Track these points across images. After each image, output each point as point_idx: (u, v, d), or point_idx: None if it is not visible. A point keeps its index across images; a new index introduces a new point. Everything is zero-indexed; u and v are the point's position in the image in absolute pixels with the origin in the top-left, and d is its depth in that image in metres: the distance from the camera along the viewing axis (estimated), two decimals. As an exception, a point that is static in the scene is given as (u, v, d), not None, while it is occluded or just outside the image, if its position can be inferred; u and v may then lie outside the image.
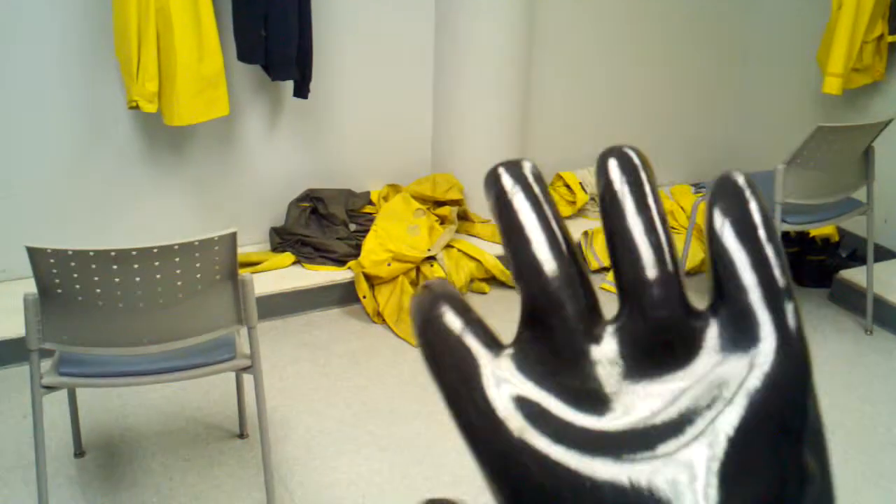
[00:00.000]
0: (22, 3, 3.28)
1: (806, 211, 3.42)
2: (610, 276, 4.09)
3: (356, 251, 3.76)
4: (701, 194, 3.72)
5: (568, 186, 4.45)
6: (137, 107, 3.35)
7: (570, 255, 0.26)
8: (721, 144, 5.00)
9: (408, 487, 2.67)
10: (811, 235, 4.16)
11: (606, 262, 4.16)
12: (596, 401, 0.24)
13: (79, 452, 2.74)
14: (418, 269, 3.72)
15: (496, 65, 4.05)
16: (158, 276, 2.18)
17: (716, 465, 0.22)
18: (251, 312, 2.33)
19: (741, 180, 0.26)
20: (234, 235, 2.23)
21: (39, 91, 3.41)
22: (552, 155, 4.47)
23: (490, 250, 3.92)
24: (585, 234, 4.25)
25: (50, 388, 2.22)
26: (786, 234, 3.55)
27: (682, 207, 4.44)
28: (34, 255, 2.08)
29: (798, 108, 4.62)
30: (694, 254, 4.06)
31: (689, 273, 4.09)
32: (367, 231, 3.82)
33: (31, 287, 2.13)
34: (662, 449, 0.23)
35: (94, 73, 3.47)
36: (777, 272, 0.25)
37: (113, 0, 3.29)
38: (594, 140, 4.57)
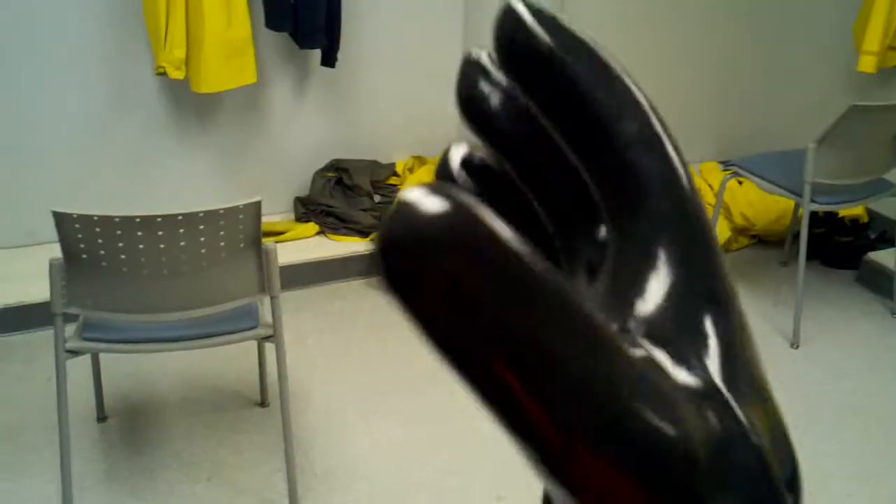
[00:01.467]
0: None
1: (835, 191, 3.37)
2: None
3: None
4: (729, 171, 3.66)
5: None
6: (165, 73, 3.35)
7: None
8: (749, 122, 4.93)
9: (428, 459, 2.67)
10: (840, 216, 4.10)
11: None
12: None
13: (101, 417, 2.77)
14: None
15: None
16: (183, 243, 2.18)
17: None
18: (274, 282, 2.33)
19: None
20: (258, 204, 2.23)
21: (66, 56, 3.42)
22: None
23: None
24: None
25: (74, 353, 2.24)
26: (814, 214, 3.50)
27: (709, 185, 4.39)
28: (60, 219, 2.08)
29: (830, 86, 4.54)
30: (721, 232, 4.02)
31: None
32: (391, 202, 3.80)
33: (56, 251, 2.14)
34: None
35: (121, 39, 3.47)
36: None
37: (141, -35, 3.28)
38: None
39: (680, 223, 0.20)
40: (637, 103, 0.21)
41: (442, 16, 4.07)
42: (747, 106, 4.95)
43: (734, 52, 4.81)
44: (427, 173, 3.96)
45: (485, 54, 0.23)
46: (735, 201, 4.12)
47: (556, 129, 0.21)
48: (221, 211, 2.19)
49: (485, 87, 0.23)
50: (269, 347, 2.47)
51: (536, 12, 0.21)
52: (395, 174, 4.10)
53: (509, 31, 0.21)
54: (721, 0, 4.64)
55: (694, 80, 4.77)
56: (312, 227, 3.81)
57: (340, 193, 3.95)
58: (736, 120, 4.94)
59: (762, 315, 3.49)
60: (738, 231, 4.17)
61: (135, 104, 3.60)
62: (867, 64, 4.00)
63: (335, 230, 3.79)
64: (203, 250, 2.22)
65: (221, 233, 2.22)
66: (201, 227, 2.18)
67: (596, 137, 0.21)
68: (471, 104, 0.23)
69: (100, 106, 3.54)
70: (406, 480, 2.60)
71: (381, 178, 4.05)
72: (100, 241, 2.12)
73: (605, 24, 4.42)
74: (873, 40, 3.95)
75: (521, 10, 0.21)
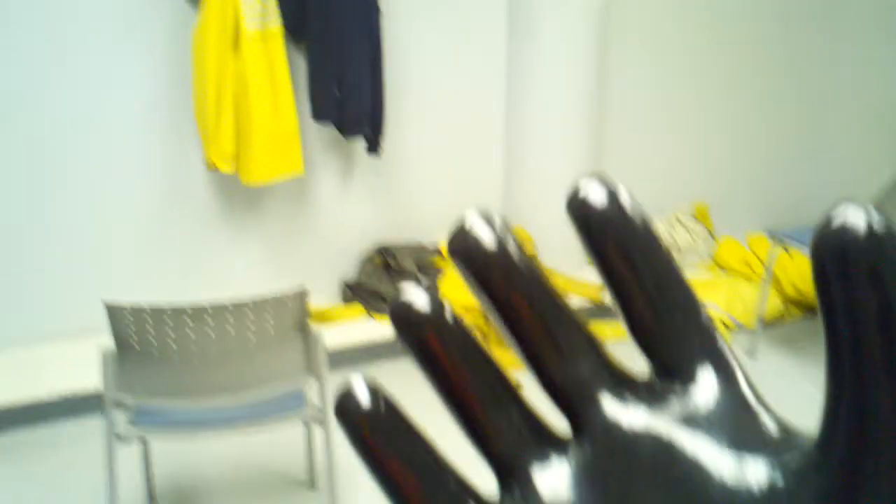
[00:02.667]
0: (111, 69, 3.45)
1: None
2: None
3: (427, 304, 3.77)
4: (778, 242, 3.64)
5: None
6: (215, 167, 3.46)
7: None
8: (797, 190, 4.89)
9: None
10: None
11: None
12: None
13: (152, 502, 2.79)
14: (488, 321, 3.71)
15: (567, 121, 4.07)
16: (232, 331, 2.23)
17: None
18: (321, 364, 2.36)
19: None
20: (304, 293, 2.28)
21: (123, 152, 3.55)
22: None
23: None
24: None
25: (124, 438, 2.28)
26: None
27: (758, 257, 4.36)
28: (112, 311, 2.15)
29: (879, 150, 4.50)
30: (773, 304, 3.98)
31: (768, 324, 3.99)
32: (437, 283, 3.85)
33: (108, 341, 2.20)
34: None
35: (173, 133, 3.60)
36: None
37: (193, 64, 3.43)
38: (667, 193, 4.53)
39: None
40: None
41: (483, 100, 4.15)
42: (795, 174, 4.91)
43: (779, 118, 4.79)
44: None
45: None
46: (785, 272, 4.08)
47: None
48: (269, 299, 2.24)
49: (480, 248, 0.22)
50: (317, 431, 2.48)
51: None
52: (440, 255, 4.15)
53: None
54: (766, 68, 4.65)
55: (740, 150, 4.77)
56: (359, 308, 3.85)
57: (387, 277, 4.00)
58: (783, 189, 4.91)
59: (817, 385, 3.41)
60: (791, 302, 4.12)
61: (187, 197, 3.71)
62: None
63: (382, 311, 3.83)
64: (252, 337, 2.26)
65: (270, 320, 2.27)
66: (250, 314, 2.24)
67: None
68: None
69: (153, 199, 3.66)
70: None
71: (426, 259, 4.10)
72: (151, 331, 2.18)
73: (647, 105, 4.47)
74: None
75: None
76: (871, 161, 4.50)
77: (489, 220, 0.22)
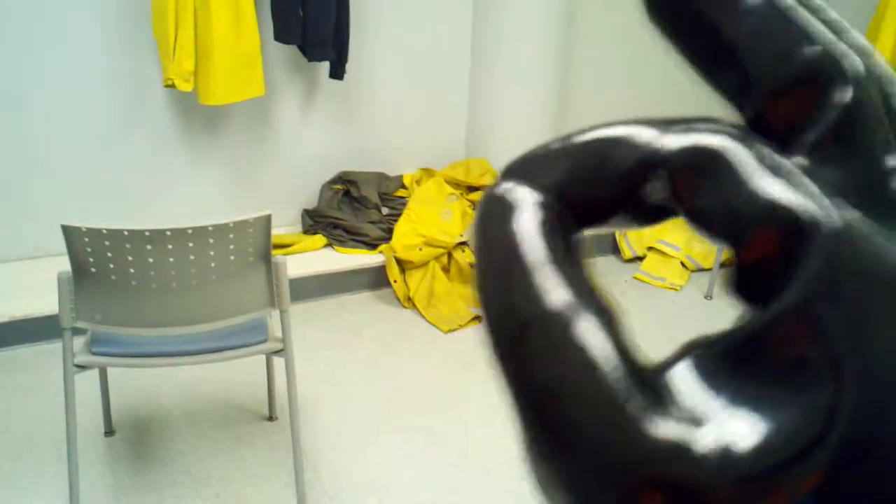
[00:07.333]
0: (60, -21, 3.29)
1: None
2: (644, 265, 4.05)
3: (388, 235, 3.73)
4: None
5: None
6: (173, 85, 3.34)
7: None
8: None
9: (438, 474, 2.65)
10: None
11: (640, 252, 4.11)
12: None
13: (109, 431, 2.75)
14: (450, 255, 3.69)
15: (533, 47, 3.99)
16: (192, 257, 2.16)
17: None
18: (284, 296, 2.31)
19: None
20: (268, 218, 2.21)
21: (75, 69, 3.41)
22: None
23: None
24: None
25: (82, 368, 2.22)
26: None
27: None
28: (69, 233, 2.07)
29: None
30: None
31: (726, 265, 4.02)
32: (399, 215, 3.80)
33: (64, 264, 2.12)
34: None
35: (130, 52, 3.46)
36: None
37: (151, -23, 3.28)
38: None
39: None
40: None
41: (450, 29, 4.06)
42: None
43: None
44: (434, 186, 3.94)
45: None
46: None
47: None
48: (231, 224, 2.17)
49: None
50: (278, 361, 2.45)
51: None
52: (403, 186, 4.09)
53: None
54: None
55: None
56: (320, 239, 3.80)
57: (348, 206, 3.94)
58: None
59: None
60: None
61: (144, 116, 3.59)
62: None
63: (343, 242, 3.78)
64: (213, 264, 2.20)
65: (231, 246, 2.20)
66: (211, 240, 2.17)
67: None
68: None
69: (108, 118, 3.54)
70: (415, 497, 2.58)
71: (389, 190, 4.04)
72: (109, 255, 2.10)
73: (617, 28, 4.41)
74: (884, 52, 3.93)
75: None
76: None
77: None
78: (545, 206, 0.19)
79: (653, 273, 4.03)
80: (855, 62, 0.18)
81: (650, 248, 4.12)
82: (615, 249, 4.22)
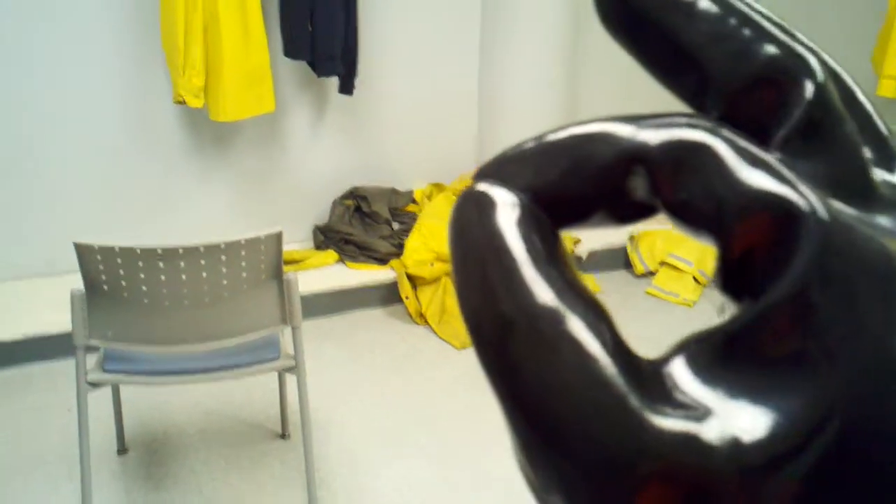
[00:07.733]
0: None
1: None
2: (656, 280, 4.02)
3: (399, 250, 3.73)
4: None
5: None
6: (184, 102, 3.35)
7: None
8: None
9: (453, 495, 2.63)
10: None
11: (652, 266, 4.09)
12: None
13: (122, 449, 2.74)
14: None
15: (542, 62, 3.99)
16: (204, 274, 2.16)
17: None
18: (296, 312, 2.30)
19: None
20: (279, 235, 2.21)
21: (87, 87, 3.42)
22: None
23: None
24: (631, 238, 4.18)
25: (95, 385, 2.21)
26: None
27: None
28: (81, 251, 2.07)
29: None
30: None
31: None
32: (410, 230, 3.79)
33: (77, 281, 2.12)
34: None
35: (140, 69, 3.48)
36: None
37: (161, -5, 3.29)
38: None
39: None
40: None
41: (459, 43, 4.07)
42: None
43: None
44: (445, 201, 3.93)
45: None
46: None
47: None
48: (243, 242, 2.17)
49: None
50: (290, 378, 2.44)
51: None
52: (414, 201, 4.09)
53: None
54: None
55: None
56: (331, 255, 3.79)
57: (359, 221, 3.93)
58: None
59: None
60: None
61: (154, 133, 3.60)
62: (888, 88, 3.96)
63: (354, 258, 3.77)
64: (224, 281, 2.19)
65: (243, 264, 2.20)
66: (223, 258, 2.17)
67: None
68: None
69: (120, 136, 3.55)
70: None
71: (400, 205, 4.04)
72: (121, 272, 2.10)
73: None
74: (893, 64, 3.92)
75: None
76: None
77: None
78: (522, 206, 0.18)
79: (665, 288, 4.00)
80: (811, 59, 0.19)
81: (662, 263, 4.10)
82: (627, 264, 4.20)
